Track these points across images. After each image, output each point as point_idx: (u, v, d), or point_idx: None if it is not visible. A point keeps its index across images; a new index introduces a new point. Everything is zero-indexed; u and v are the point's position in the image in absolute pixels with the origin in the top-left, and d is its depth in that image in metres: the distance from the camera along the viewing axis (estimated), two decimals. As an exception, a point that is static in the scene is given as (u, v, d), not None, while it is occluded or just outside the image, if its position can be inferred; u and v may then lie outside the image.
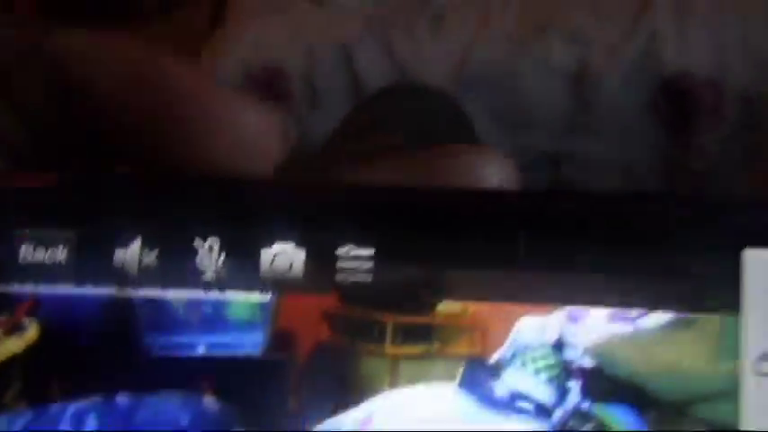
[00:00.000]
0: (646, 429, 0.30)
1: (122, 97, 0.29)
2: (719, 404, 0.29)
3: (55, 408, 0.29)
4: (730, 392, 0.29)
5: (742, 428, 0.28)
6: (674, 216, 0.30)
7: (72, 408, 0.29)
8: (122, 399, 0.29)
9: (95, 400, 0.29)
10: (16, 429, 0.28)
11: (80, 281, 0.29)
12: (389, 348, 0.30)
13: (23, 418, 0.29)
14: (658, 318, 0.30)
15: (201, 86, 0.29)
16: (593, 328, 0.30)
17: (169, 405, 0.29)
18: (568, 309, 0.30)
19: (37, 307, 0.29)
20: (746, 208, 0.31)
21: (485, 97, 0.82)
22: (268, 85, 0.83)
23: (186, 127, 0.29)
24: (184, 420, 0.28)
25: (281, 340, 0.30)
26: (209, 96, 0.29)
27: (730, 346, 0.29)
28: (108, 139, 0.30)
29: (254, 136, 0.29)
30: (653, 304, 0.30)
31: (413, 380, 0.30)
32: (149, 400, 0.29)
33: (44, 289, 0.29)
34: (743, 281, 0.29)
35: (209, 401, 0.29)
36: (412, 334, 0.31)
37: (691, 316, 0.30)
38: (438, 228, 0.30)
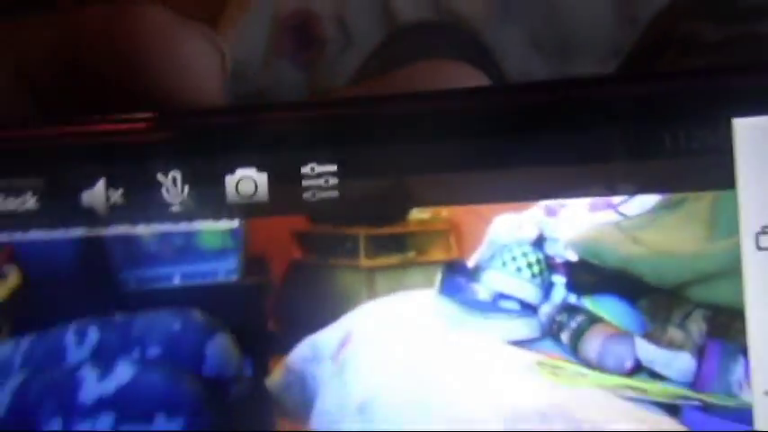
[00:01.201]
0: (639, 317, 0.22)
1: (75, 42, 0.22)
2: (718, 284, 0.21)
3: (56, 329, 0.23)
4: (728, 271, 0.21)
5: (745, 306, 0.21)
6: (654, 91, 0.22)
7: (73, 325, 0.23)
8: (118, 316, 0.23)
9: (93, 318, 0.23)
10: (21, 350, 0.23)
11: (51, 225, 0.22)
12: (364, 261, 0.23)
13: (26, 340, 0.23)
14: (643, 201, 0.22)
15: (143, 22, 0.21)
16: (573, 220, 0.22)
17: (160, 317, 0.23)
18: (545, 203, 0.22)
19: (14, 254, 0.23)
20: (731, 75, 0.22)
21: (524, 26, 0.66)
22: (299, 29, 0.72)
23: (133, 63, 0.21)
24: (177, 325, 0.22)
25: (254, 264, 0.23)
26: (151, 30, 0.21)
27: (725, 224, 0.21)
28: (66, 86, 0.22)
29: (195, 64, 0.22)
30: (636, 188, 0.22)
31: (391, 290, 0.23)
32: (142, 315, 0.22)
33: (19, 236, 0.23)
34: (735, 153, 0.21)
35: (197, 313, 0.23)
36: (385, 245, 0.23)
37: (679, 196, 0.21)
38: (400, 135, 0.22)
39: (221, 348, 0.24)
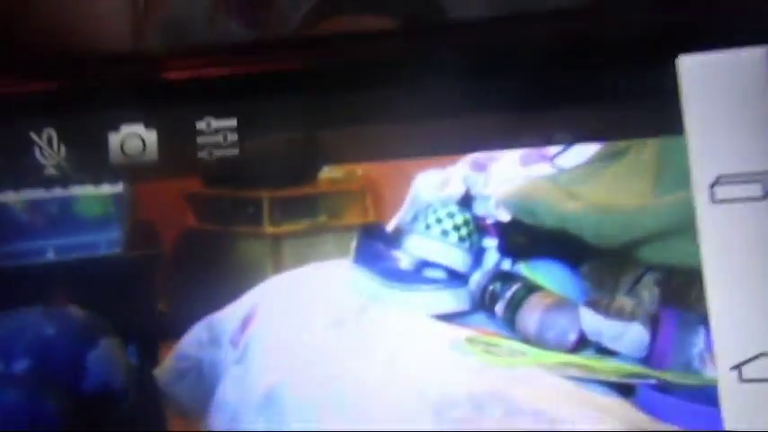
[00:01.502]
0: (582, 283, 0.18)
1: None
2: (669, 243, 0.17)
3: None
4: (681, 228, 0.17)
5: (702, 267, 0.17)
6: (589, 29, 0.18)
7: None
8: None
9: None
10: None
11: None
12: (268, 228, 0.19)
13: None
14: (581, 152, 0.18)
15: None
16: (504, 174, 0.19)
17: (29, 318, 0.18)
18: (472, 156, 0.19)
19: None
20: (674, 7, 0.18)
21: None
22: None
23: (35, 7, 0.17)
24: (50, 330, 0.18)
25: (141, 235, 0.19)
26: None
27: (673, 175, 0.18)
28: None
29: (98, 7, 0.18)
30: (573, 136, 0.18)
31: (300, 260, 0.19)
32: (6, 317, 0.18)
33: None
34: (681, 95, 0.17)
35: (74, 310, 0.18)
36: (292, 208, 0.19)
37: (621, 144, 0.18)
38: (307, 84, 0.18)
39: (106, 358, 0.19)
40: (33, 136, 0.19)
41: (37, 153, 0.19)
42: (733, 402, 0.16)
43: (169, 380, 0.18)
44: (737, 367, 0.17)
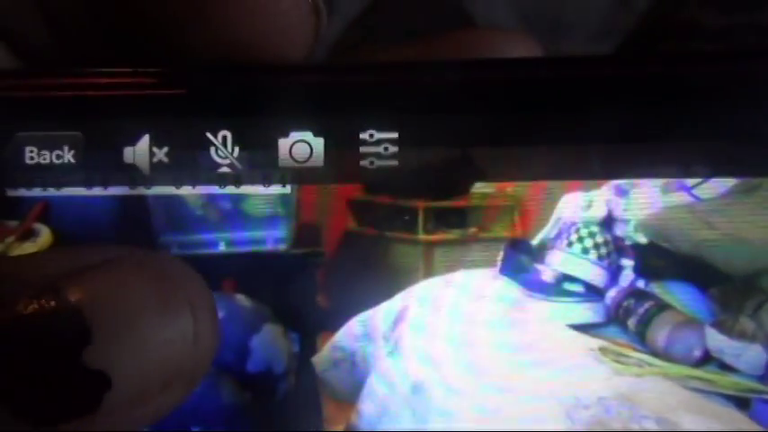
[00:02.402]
0: (709, 305, 0.25)
1: None
2: None
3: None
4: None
5: None
6: (733, 71, 0.25)
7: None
8: None
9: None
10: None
11: (89, 182, 0.25)
12: (422, 235, 0.26)
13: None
14: (718, 184, 0.25)
15: None
16: (644, 200, 0.26)
17: None
18: (616, 182, 0.25)
19: (48, 211, 0.26)
20: None
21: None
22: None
23: (217, 7, 0.24)
24: (220, 314, 0.24)
25: (305, 234, 0.25)
26: None
27: None
28: (130, 33, 0.25)
29: (286, 20, 0.24)
30: (712, 170, 0.25)
31: (449, 267, 0.26)
32: None
33: (53, 192, 0.25)
34: None
35: (241, 299, 0.25)
36: (445, 219, 0.26)
37: (756, 180, 0.24)
38: (466, 104, 0.25)
39: (268, 342, 0.26)
40: (210, 136, 0.25)
41: (213, 152, 0.25)
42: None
43: (325, 367, 0.25)
44: None
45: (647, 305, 0.27)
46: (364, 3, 0.71)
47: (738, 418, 0.25)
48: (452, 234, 0.27)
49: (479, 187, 0.27)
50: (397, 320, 0.27)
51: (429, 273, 0.27)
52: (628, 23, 0.71)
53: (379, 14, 0.67)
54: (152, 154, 0.27)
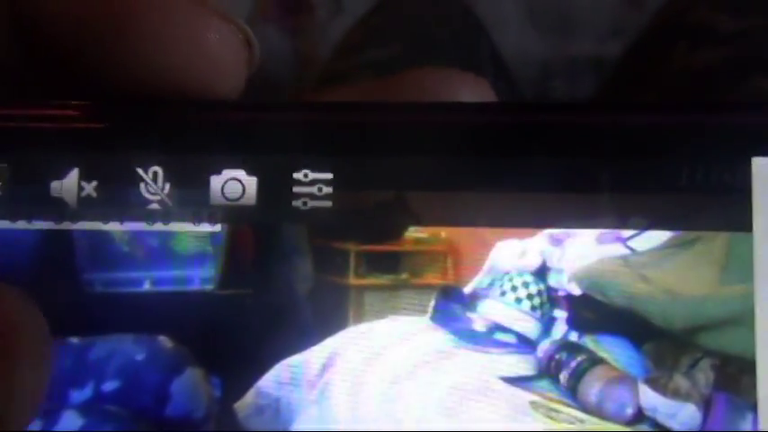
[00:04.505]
0: (643, 360, 0.23)
1: (70, 12, 0.22)
2: (728, 332, 0.22)
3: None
4: (740, 318, 0.22)
5: (756, 358, 0.21)
6: (673, 123, 0.23)
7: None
8: (74, 340, 0.23)
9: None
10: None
11: (14, 215, 0.23)
12: (353, 279, 0.24)
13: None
14: (655, 237, 0.23)
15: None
16: (579, 251, 0.23)
17: (122, 343, 0.23)
18: (551, 231, 0.23)
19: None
20: (755, 111, 0.23)
21: None
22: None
23: (142, 42, 0.22)
24: (139, 356, 0.22)
25: (234, 274, 0.23)
26: (168, 9, 0.21)
27: (738, 268, 0.22)
28: (58, 65, 0.23)
29: (216, 55, 0.22)
30: (648, 222, 0.23)
31: (380, 313, 0.23)
32: (101, 340, 0.23)
33: (-25, 225, 0.23)
34: (752, 193, 0.22)
35: (163, 340, 0.23)
36: (377, 263, 0.24)
37: (693, 234, 0.22)
38: (402, 146, 0.23)
39: (189, 386, 0.24)
40: (140, 171, 0.23)
41: (143, 188, 0.23)
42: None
43: (248, 414, 0.23)
44: (781, 454, 0.21)
45: (579, 359, 0.25)
46: (371, 2, 0.68)
47: (671, 480, 0.23)
48: (384, 279, 0.25)
49: (413, 231, 0.25)
50: (326, 366, 0.24)
51: (359, 318, 0.25)
52: (638, 23, 0.67)
53: (384, 14, 0.65)
54: (80, 188, 0.25)
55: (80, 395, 0.24)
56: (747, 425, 0.23)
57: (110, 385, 0.24)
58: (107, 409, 0.23)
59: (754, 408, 0.23)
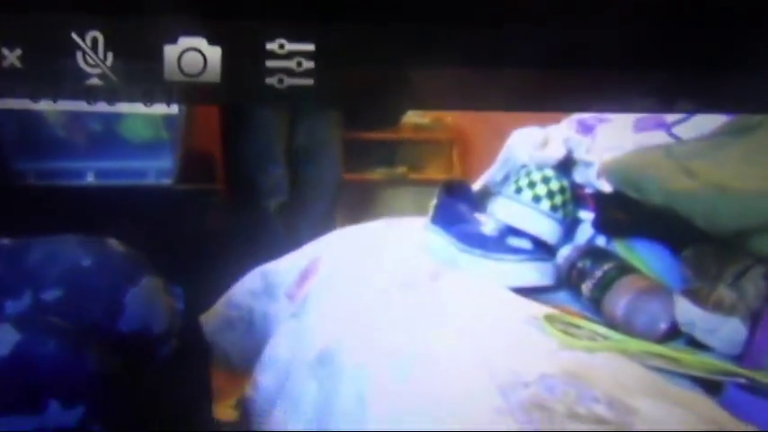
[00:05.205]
0: (682, 269, 0.19)
1: None
2: None
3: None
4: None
5: None
6: None
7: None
8: (4, 241, 0.19)
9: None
10: None
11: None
12: (340, 173, 0.20)
13: None
14: (706, 122, 0.19)
15: None
16: (613, 140, 0.19)
17: (64, 246, 0.19)
18: (579, 116, 0.19)
19: None
20: None
21: None
22: None
23: None
24: (86, 262, 0.18)
25: (196, 166, 0.19)
26: None
27: None
28: None
29: None
30: (699, 104, 0.18)
31: (372, 214, 0.20)
32: (38, 242, 0.19)
33: None
34: None
35: (114, 243, 0.19)
36: (370, 154, 0.20)
37: (751, 119, 0.18)
38: (401, 12, 0.19)
39: (147, 298, 0.20)
40: (76, 37, 0.19)
41: (79, 58, 0.19)
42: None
43: (217, 328, 0.19)
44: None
45: (605, 267, 0.21)
46: None
47: (707, 405, 0.20)
48: (377, 174, 0.21)
49: (412, 116, 0.21)
50: (305, 276, 0.21)
51: (347, 219, 0.21)
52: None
53: None
54: (1, 57, 0.20)
55: (16, 305, 0.20)
56: (800, 343, 0.20)
57: (51, 294, 0.21)
58: (49, 322, 0.20)
59: (808, 323, 0.20)
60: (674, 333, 0.22)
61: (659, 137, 0.21)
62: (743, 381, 0.21)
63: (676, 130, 0.21)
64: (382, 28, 0.20)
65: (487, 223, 0.23)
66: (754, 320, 0.22)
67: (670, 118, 0.21)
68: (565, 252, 0.23)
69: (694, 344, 0.22)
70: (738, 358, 0.21)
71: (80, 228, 0.20)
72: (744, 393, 0.21)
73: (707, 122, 0.21)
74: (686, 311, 0.22)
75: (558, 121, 0.21)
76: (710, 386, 0.22)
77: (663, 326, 0.22)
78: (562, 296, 0.22)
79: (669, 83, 0.19)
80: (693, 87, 0.19)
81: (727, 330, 0.22)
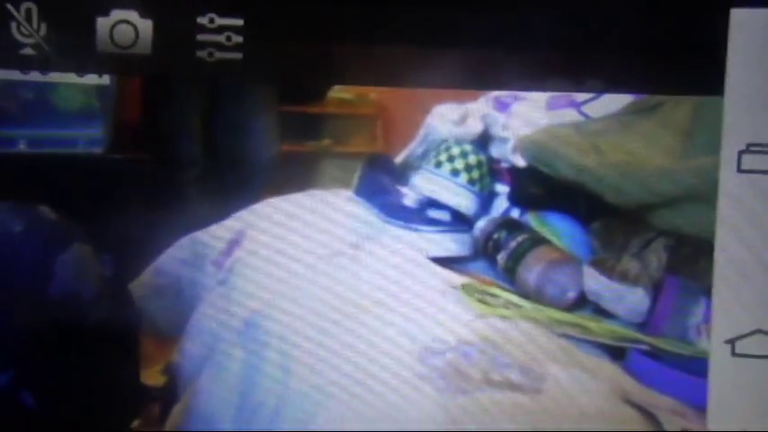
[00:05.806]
0: (590, 241, 0.20)
1: None
2: (686, 209, 0.19)
3: None
4: (701, 194, 0.19)
5: (715, 238, 0.19)
6: None
7: None
8: None
9: None
10: None
11: None
12: (267, 145, 0.20)
13: None
14: (613, 102, 0.19)
15: None
16: (527, 117, 0.20)
17: None
18: (495, 94, 0.20)
19: None
20: None
21: None
22: None
23: None
24: (17, 227, 0.18)
25: (127, 135, 0.19)
26: None
27: (704, 138, 0.19)
28: None
29: None
30: (607, 84, 0.19)
31: (297, 185, 0.20)
32: None
33: None
34: (728, 51, 0.18)
35: (45, 211, 0.19)
36: (296, 127, 0.20)
37: (656, 99, 0.19)
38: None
39: (76, 263, 0.20)
40: (10, 8, 0.19)
41: (13, 28, 0.19)
42: (721, 375, 0.19)
43: (145, 295, 0.19)
44: (731, 341, 0.19)
45: (519, 238, 0.22)
46: None
47: (611, 370, 0.21)
48: (303, 146, 0.22)
49: (337, 91, 0.21)
50: (232, 245, 0.21)
51: (273, 190, 0.21)
52: None
53: None
54: None
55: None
56: (700, 310, 0.21)
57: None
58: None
59: (707, 292, 0.20)
60: (582, 302, 0.23)
61: (570, 115, 0.22)
62: (645, 347, 0.22)
63: (586, 108, 0.22)
64: (310, 5, 0.20)
65: (409, 195, 0.23)
66: (655, 290, 0.22)
67: (580, 97, 0.21)
68: (481, 224, 0.24)
69: (601, 312, 0.23)
70: (641, 326, 0.22)
71: (12, 194, 0.20)
72: (645, 359, 0.22)
73: (613, 102, 0.21)
74: (593, 281, 0.23)
75: (475, 98, 0.21)
76: (615, 352, 0.23)
77: (572, 295, 0.23)
78: (479, 266, 0.23)
79: (578, 64, 0.20)
80: (600, 69, 0.20)
81: (631, 299, 0.23)
